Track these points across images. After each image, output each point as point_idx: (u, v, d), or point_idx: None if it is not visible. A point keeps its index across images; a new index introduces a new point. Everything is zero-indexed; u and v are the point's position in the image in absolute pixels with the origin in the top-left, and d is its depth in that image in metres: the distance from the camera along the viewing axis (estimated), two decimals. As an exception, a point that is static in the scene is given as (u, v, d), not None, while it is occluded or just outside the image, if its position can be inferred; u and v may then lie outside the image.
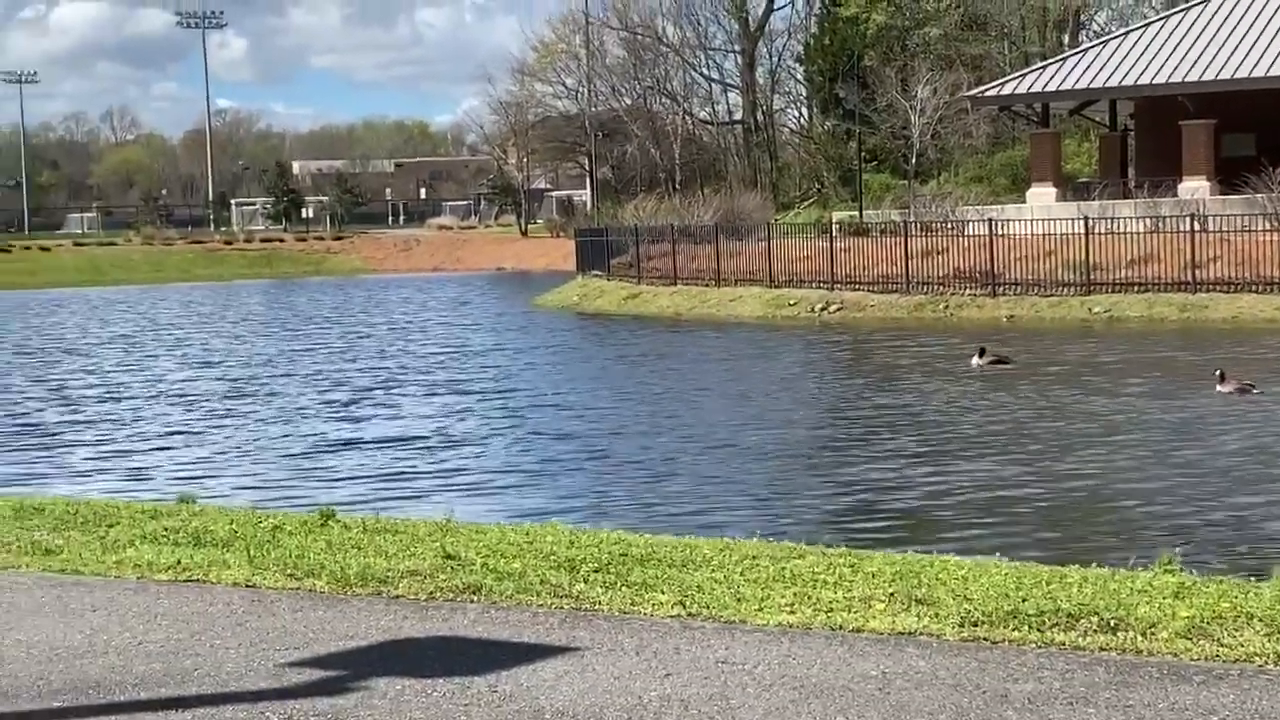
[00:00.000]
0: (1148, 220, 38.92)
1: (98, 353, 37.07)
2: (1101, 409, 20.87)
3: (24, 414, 24.18)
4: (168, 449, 19.72)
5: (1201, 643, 6.28)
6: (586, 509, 14.46)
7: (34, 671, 6.32)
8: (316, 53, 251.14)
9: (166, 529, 9.26)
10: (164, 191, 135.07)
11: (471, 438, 19.80)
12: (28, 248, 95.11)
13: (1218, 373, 22.97)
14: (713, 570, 7.88)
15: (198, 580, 7.93)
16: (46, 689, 6.08)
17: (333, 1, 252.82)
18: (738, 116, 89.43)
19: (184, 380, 28.89)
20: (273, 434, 20.74)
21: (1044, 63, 51.88)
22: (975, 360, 26.66)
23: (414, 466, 17.56)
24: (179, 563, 8.23)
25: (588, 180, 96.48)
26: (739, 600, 7.19)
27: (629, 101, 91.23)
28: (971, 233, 40.78)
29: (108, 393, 26.92)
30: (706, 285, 44.78)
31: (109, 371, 31.59)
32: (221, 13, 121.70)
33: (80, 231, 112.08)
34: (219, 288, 76.65)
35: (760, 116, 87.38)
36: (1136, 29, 49.83)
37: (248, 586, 7.77)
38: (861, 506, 14.59)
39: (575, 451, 18.38)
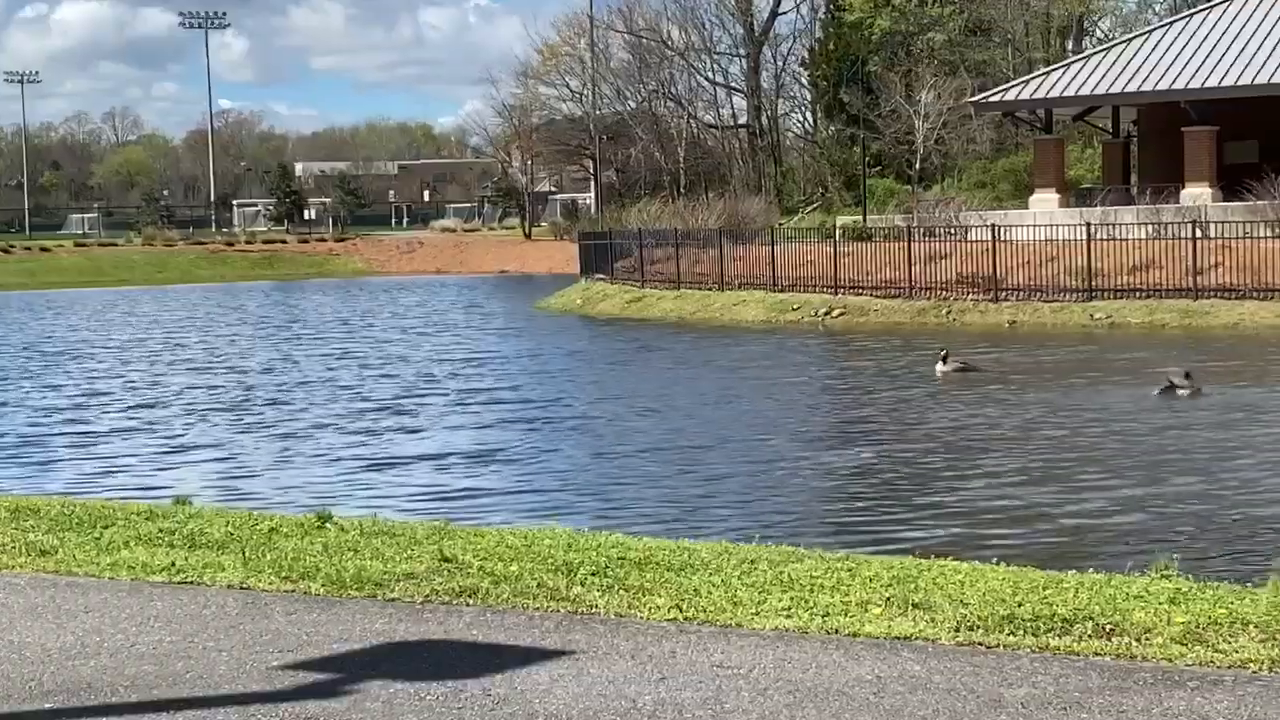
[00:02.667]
0: (1150, 227, 38.93)
1: (113, 357, 36.52)
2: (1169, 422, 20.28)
3: (53, 421, 23.33)
4: (217, 460, 18.92)
5: (1196, 648, 6.25)
6: (664, 528, 13.13)
7: (25, 673, 6.30)
8: (319, 54, 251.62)
9: (162, 530, 9.24)
10: (165, 192, 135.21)
11: (522, 452, 18.88)
12: (29, 248, 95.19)
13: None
14: (710, 574, 7.86)
15: (192, 582, 7.91)
16: (38, 690, 6.06)
17: (335, 2, 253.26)
18: (742, 121, 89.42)
19: (215, 388, 28.00)
20: (316, 445, 19.94)
21: (1047, 69, 51.89)
22: (939, 367, 26.18)
23: (467, 485, 16.72)
24: (173, 564, 8.21)
25: (592, 183, 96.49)
26: (736, 604, 7.18)
27: (634, 105, 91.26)
28: (975, 238, 40.80)
29: (141, 402, 25.92)
30: (710, 289, 44.79)
31: (132, 377, 30.85)
32: (224, 14, 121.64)
33: (81, 232, 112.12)
34: (221, 289, 76.69)
35: (765, 121, 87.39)
36: (1139, 36, 49.85)
37: (242, 589, 7.75)
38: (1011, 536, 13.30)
39: (642, 468, 17.45)
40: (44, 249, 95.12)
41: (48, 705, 5.89)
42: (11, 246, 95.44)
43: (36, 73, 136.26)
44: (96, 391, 27.91)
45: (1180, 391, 21.87)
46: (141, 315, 55.31)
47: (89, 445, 20.68)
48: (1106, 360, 28.83)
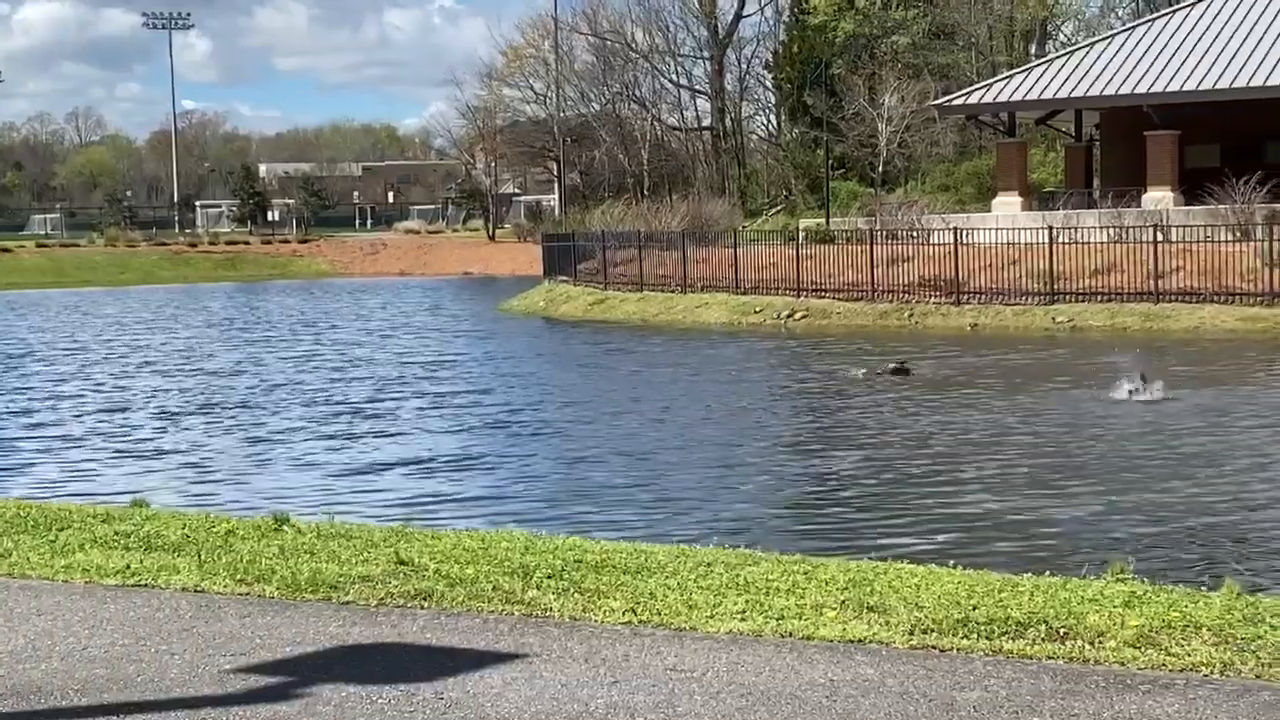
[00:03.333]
0: (1111, 230, 39.15)
1: (79, 359, 35.60)
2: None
3: (20, 425, 22.65)
4: (190, 465, 18.35)
5: (1149, 652, 6.28)
6: (643, 532, 12.94)
7: (-25, 676, 6.26)
8: (282, 54, 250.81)
9: (118, 533, 9.19)
10: (128, 193, 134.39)
11: (498, 457, 18.46)
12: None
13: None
14: (666, 577, 7.86)
15: (146, 585, 7.87)
16: (-13, 694, 6.02)
17: (299, 2, 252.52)
18: (706, 123, 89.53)
19: (186, 390, 27.26)
20: (291, 450, 19.40)
21: (1010, 72, 52.12)
22: (858, 372, 26.54)
23: (442, 490, 16.28)
24: (128, 567, 8.17)
25: (556, 185, 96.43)
26: (690, 607, 7.18)
27: (598, 107, 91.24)
28: (937, 241, 40.94)
29: (111, 405, 25.03)
30: (673, 292, 44.80)
31: (100, 380, 29.91)
32: (188, 14, 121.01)
33: (43, 233, 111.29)
34: (183, 290, 76.23)
35: (729, 123, 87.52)
36: (1102, 40, 50.12)
37: (196, 591, 7.72)
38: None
39: (632, 475, 17.04)
40: (5, 249, 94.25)
41: (-4, 709, 5.85)
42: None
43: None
44: (64, 395, 27.25)
45: (1137, 396, 21.98)
46: (106, 316, 54.80)
47: (56, 450, 20.21)
48: (1057, 364, 28.94)
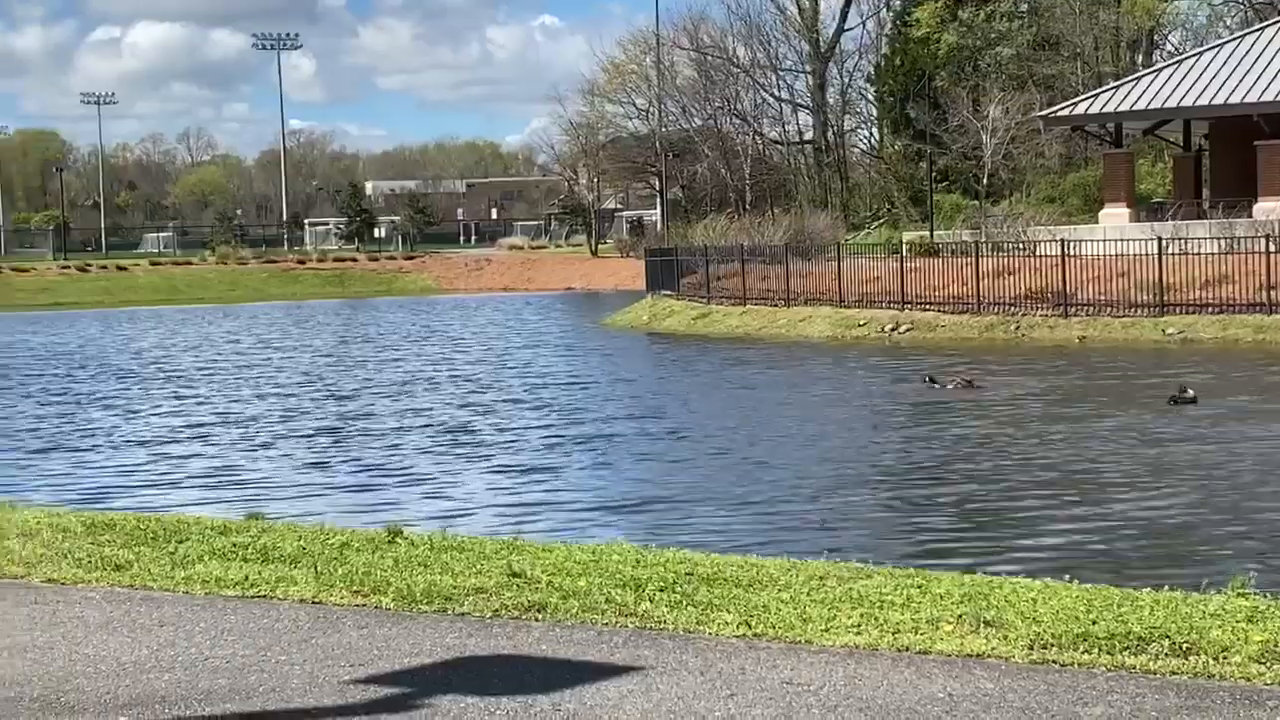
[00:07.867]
0: (1222, 241, 38.53)
1: (214, 380, 34.54)
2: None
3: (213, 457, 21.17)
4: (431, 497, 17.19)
5: (1276, 667, 6.16)
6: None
7: (101, 686, 6.36)
8: (386, 73, 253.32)
9: (235, 545, 9.31)
10: (239, 211, 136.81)
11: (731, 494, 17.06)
12: (105, 267, 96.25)
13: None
14: (779, 590, 7.82)
15: (265, 596, 7.96)
16: (112, 703, 6.12)
17: (402, 22, 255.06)
18: (808, 136, 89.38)
19: (356, 411, 26.08)
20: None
21: (1117, 83, 51.49)
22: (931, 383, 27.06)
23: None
24: (246, 579, 8.27)
25: (658, 200, 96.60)
26: (805, 620, 7.14)
27: (699, 121, 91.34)
28: (1043, 253, 40.51)
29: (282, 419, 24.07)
30: (776, 305, 44.70)
31: (271, 401, 28.62)
32: (296, 35, 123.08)
33: (156, 251, 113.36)
34: (293, 307, 77.18)
35: (831, 137, 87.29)
36: (1210, 49, 49.38)
37: (314, 603, 7.80)
38: None
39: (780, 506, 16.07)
40: (120, 267, 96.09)
41: (121, 718, 5.94)
42: (89, 265, 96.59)
43: (113, 94, 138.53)
44: (205, 421, 25.50)
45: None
46: (235, 334, 54.46)
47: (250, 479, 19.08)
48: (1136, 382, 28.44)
